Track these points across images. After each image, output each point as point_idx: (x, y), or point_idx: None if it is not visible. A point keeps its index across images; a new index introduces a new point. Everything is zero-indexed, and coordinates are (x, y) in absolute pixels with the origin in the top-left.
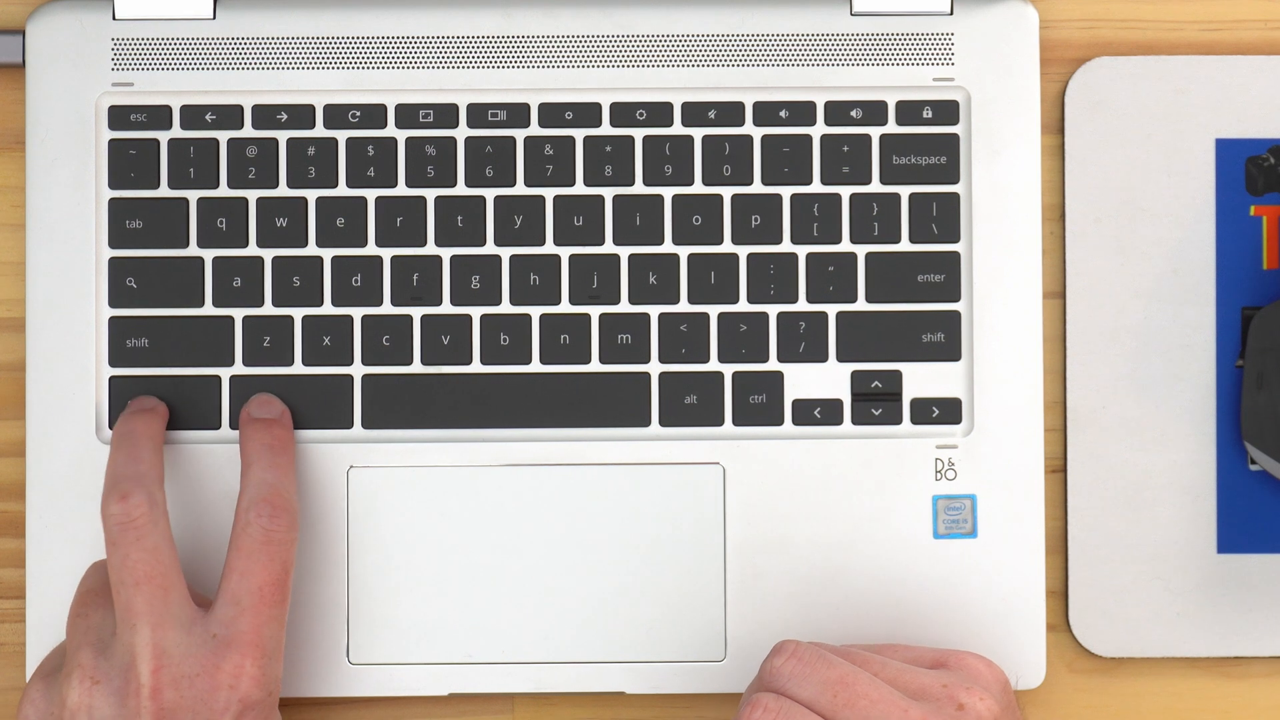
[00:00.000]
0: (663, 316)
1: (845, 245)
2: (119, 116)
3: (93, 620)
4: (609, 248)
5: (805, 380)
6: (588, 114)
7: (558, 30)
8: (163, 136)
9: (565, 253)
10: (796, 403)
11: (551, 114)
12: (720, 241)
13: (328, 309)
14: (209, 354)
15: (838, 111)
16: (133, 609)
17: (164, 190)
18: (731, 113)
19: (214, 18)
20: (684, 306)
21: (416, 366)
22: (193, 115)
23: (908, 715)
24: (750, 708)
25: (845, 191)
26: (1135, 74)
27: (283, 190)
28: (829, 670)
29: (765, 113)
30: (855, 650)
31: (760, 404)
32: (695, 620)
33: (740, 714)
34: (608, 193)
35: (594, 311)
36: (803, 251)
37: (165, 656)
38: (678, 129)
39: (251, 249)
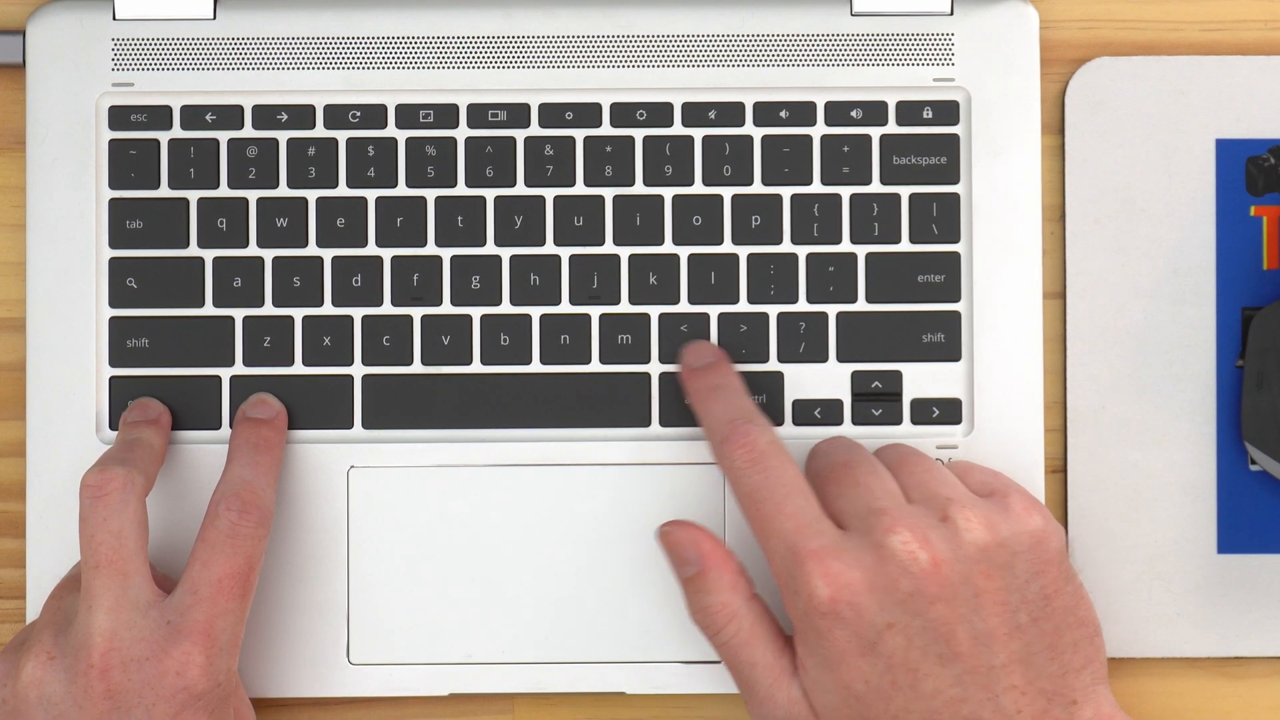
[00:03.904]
0: (663, 317)
1: (845, 245)
2: (119, 117)
3: (64, 602)
4: (609, 248)
5: (805, 380)
6: (588, 114)
7: (558, 30)
8: (163, 137)
9: (565, 253)
10: (797, 403)
11: (551, 114)
12: (720, 242)
13: (328, 309)
14: (209, 354)
15: (838, 112)
16: (91, 591)
17: (164, 190)
18: (731, 113)
19: (214, 18)
20: (684, 307)
21: (417, 367)
22: (193, 115)
23: (877, 503)
24: (738, 437)
25: (845, 192)
26: (1135, 74)
27: (283, 190)
28: (844, 454)
29: (765, 113)
30: (916, 450)
31: (761, 404)
32: None
33: (725, 436)
34: (608, 193)
35: (594, 312)
36: (803, 252)
37: (117, 639)
38: (678, 129)
39: (252, 249)
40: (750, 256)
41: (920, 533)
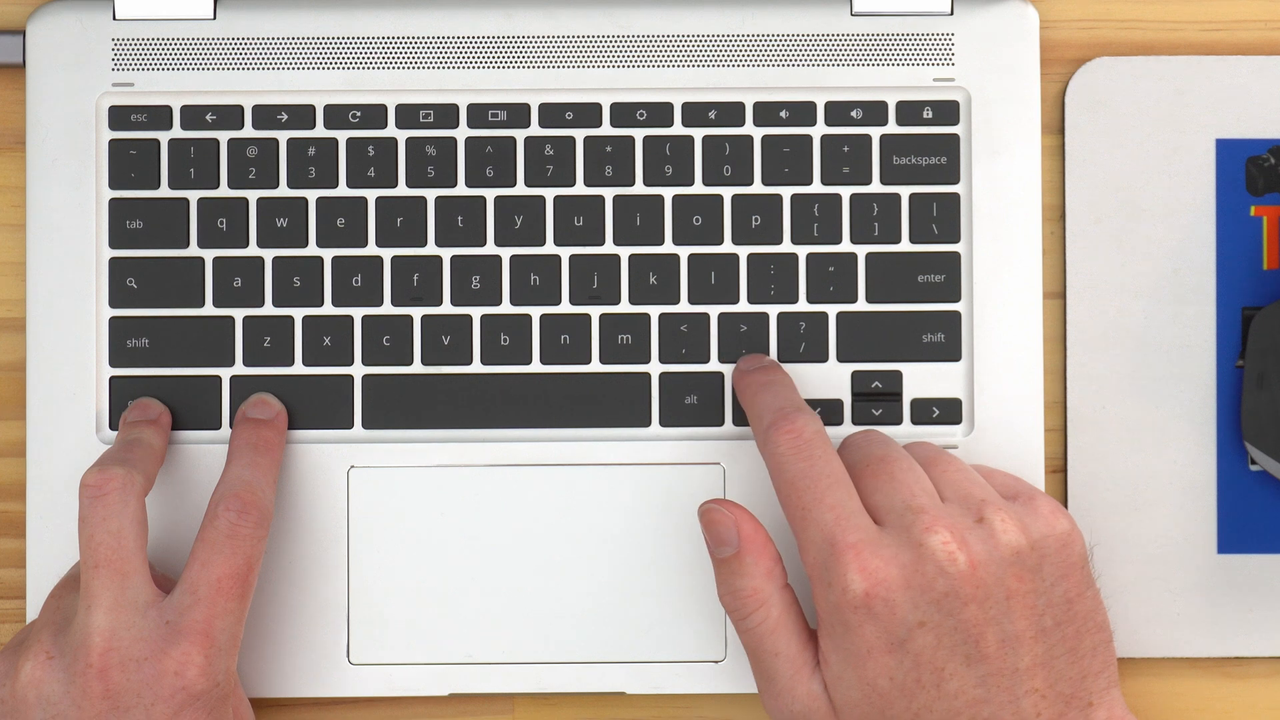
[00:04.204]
0: (663, 317)
1: (845, 245)
2: (119, 116)
3: (64, 602)
4: (609, 248)
5: (806, 380)
6: (588, 114)
7: (558, 30)
8: (163, 137)
9: (565, 253)
10: None
11: (552, 114)
12: (720, 242)
13: (328, 309)
14: (209, 354)
15: (838, 112)
16: (90, 591)
17: (164, 190)
18: (732, 113)
19: (214, 18)
20: (684, 307)
21: (417, 367)
22: (193, 115)
23: (914, 500)
24: (785, 424)
25: (845, 192)
26: (1135, 74)
27: (283, 190)
28: (880, 448)
29: (765, 113)
30: (944, 450)
31: None
32: (695, 620)
33: (772, 422)
34: (608, 193)
35: (594, 312)
36: (803, 252)
37: (115, 639)
38: (678, 129)
39: (252, 249)
40: (750, 256)
41: (959, 534)
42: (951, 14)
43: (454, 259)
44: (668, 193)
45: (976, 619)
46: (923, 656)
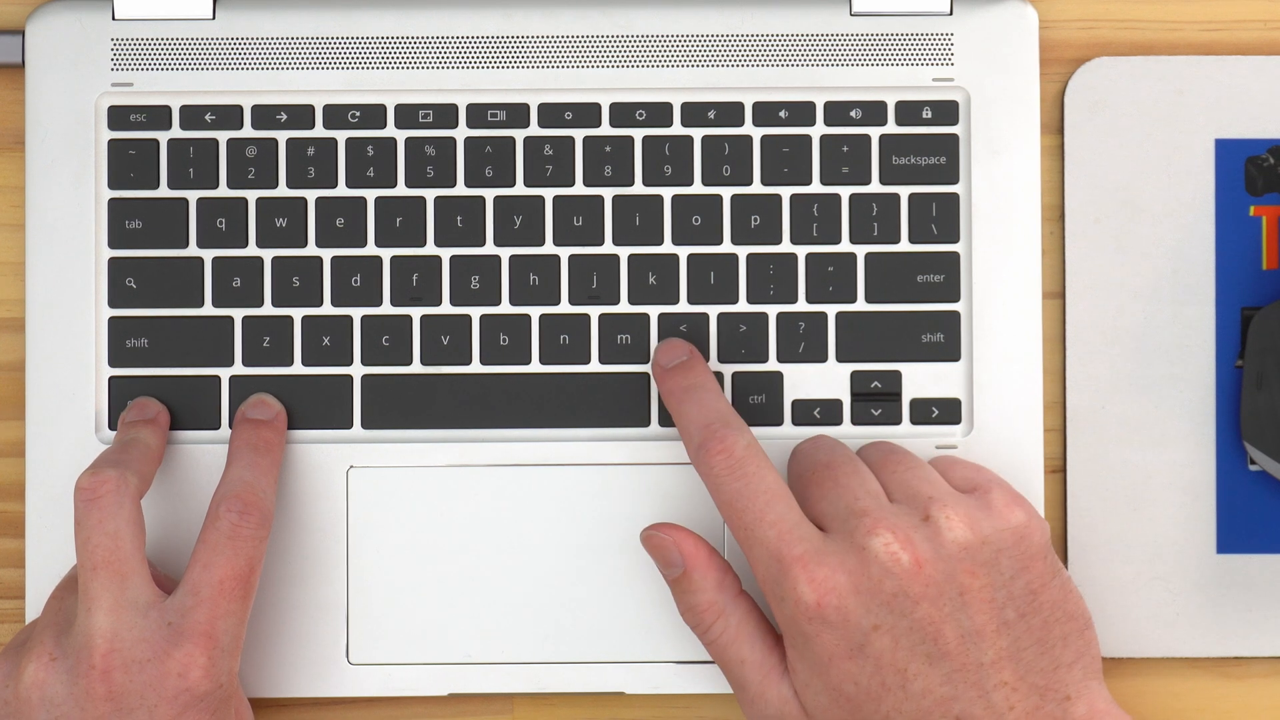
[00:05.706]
0: (662, 317)
1: (845, 245)
2: (119, 116)
3: (65, 603)
4: (608, 248)
5: (805, 380)
6: (587, 114)
7: (558, 30)
8: (162, 137)
9: (565, 253)
10: (796, 403)
11: (551, 114)
12: (720, 242)
13: (327, 309)
14: (209, 354)
15: (837, 112)
16: (90, 593)
17: (164, 190)
18: (731, 113)
19: (214, 18)
20: (683, 307)
21: (416, 367)
22: (192, 115)
23: (858, 505)
24: (715, 444)
25: (845, 192)
26: (1135, 74)
27: (282, 190)
28: (825, 454)
29: (765, 113)
30: (898, 447)
31: (760, 404)
32: None
33: (702, 442)
34: (607, 193)
35: (593, 312)
36: (802, 252)
37: (118, 640)
38: (677, 129)
39: (251, 249)
40: (750, 256)
41: (902, 533)
42: (951, 14)
43: (453, 259)
44: (667, 193)
45: (931, 617)
46: (883, 659)
